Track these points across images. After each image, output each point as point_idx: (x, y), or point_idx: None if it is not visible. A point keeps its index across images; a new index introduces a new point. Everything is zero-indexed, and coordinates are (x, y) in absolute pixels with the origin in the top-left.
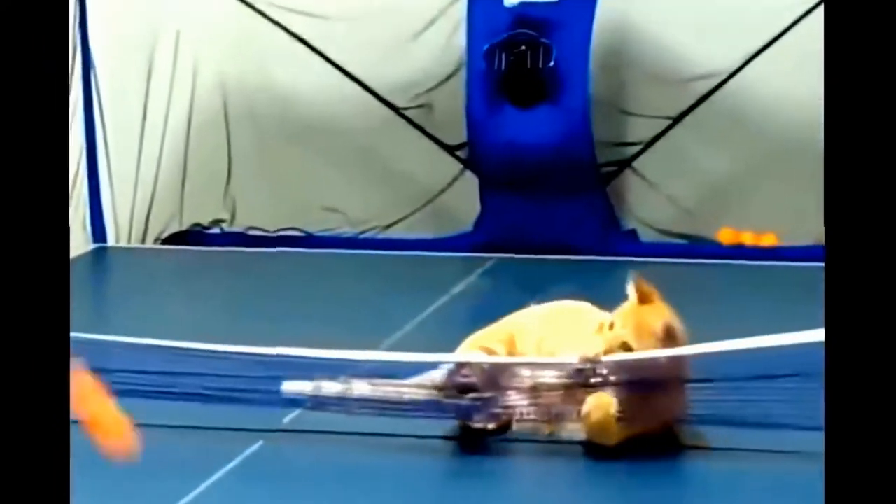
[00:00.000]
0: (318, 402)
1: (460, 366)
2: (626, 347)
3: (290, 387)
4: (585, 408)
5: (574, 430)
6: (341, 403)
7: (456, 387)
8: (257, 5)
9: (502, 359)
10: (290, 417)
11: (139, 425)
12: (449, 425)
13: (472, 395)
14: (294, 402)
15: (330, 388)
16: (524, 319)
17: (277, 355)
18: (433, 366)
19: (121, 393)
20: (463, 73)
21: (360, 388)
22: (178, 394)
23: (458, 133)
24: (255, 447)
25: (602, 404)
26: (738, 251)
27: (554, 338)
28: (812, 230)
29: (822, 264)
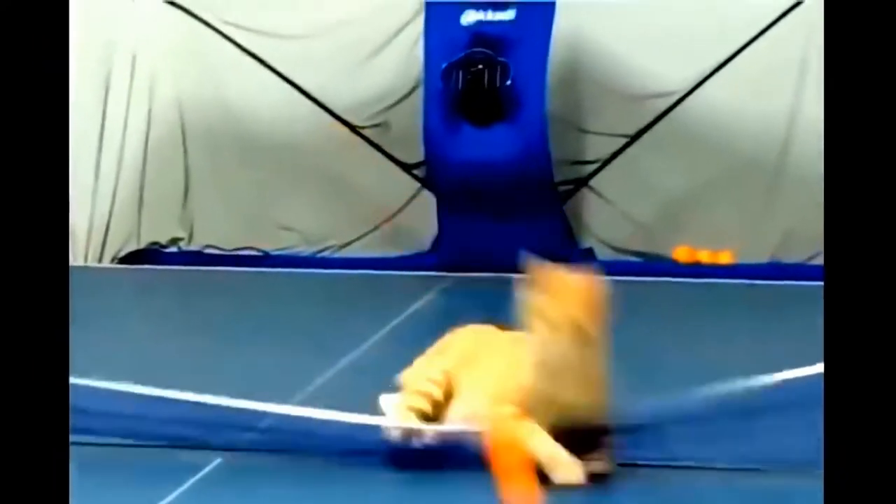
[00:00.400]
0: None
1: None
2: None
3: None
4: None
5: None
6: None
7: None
8: (214, 24)
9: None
10: (249, 435)
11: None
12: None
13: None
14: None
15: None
16: (463, 345)
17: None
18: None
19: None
20: (420, 92)
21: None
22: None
23: (415, 152)
24: (214, 464)
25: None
26: (695, 269)
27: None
28: (767, 247)
29: (778, 282)
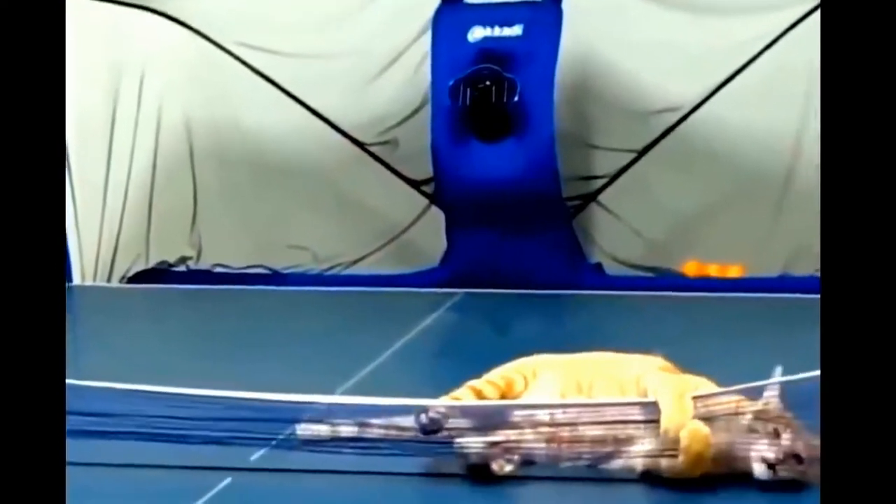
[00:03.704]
0: (335, 445)
1: (420, 409)
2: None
3: (306, 430)
4: (684, 440)
5: (629, 465)
6: (356, 445)
7: (420, 429)
8: (222, 43)
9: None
10: (257, 455)
11: (110, 465)
12: (424, 462)
13: (438, 434)
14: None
15: (347, 430)
16: (535, 364)
17: (250, 399)
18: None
19: (89, 434)
20: (428, 109)
21: (350, 429)
22: (147, 434)
23: (423, 168)
24: (224, 483)
25: (701, 436)
26: (705, 283)
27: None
28: (778, 261)
29: (788, 295)
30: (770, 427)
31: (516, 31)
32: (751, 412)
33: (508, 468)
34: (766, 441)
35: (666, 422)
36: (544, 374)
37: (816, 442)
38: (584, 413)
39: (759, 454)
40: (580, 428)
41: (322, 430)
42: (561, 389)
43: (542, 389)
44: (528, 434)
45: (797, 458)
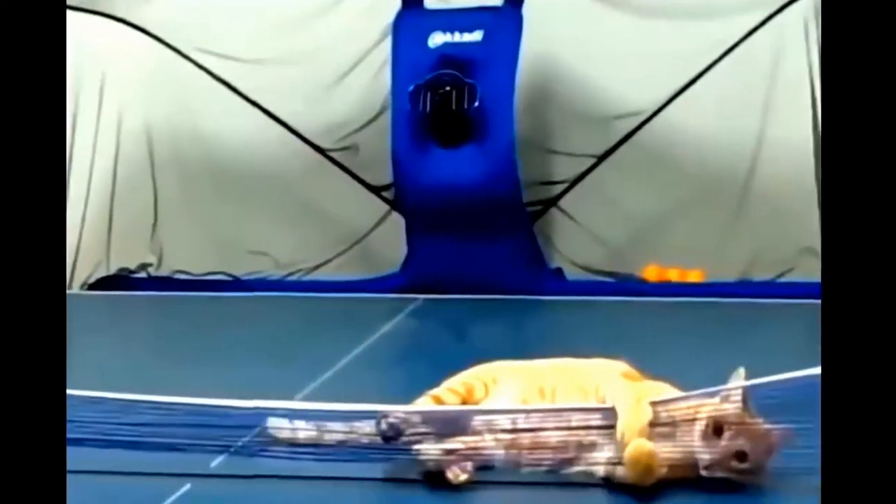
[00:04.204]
0: (293, 451)
1: (382, 415)
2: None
3: (274, 423)
4: (629, 456)
5: (589, 471)
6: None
7: (379, 434)
8: (183, 49)
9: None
10: (217, 462)
11: (68, 472)
12: (384, 468)
13: (398, 440)
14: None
15: (306, 431)
16: (495, 370)
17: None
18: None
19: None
20: (388, 115)
21: (308, 433)
22: (105, 441)
23: (383, 174)
24: (184, 490)
25: (645, 451)
26: (665, 288)
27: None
28: (736, 266)
29: (748, 300)
30: (710, 427)
31: (476, 36)
32: (705, 413)
33: (464, 477)
34: (702, 442)
35: (622, 426)
36: (505, 380)
37: (773, 441)
38: (546, 419)
39: (696, 455)
40: (541, 434)
41: (285, 428)
42: (522, 395)
43: (503, 395)
44: (489, 440)
45: (740, 456)
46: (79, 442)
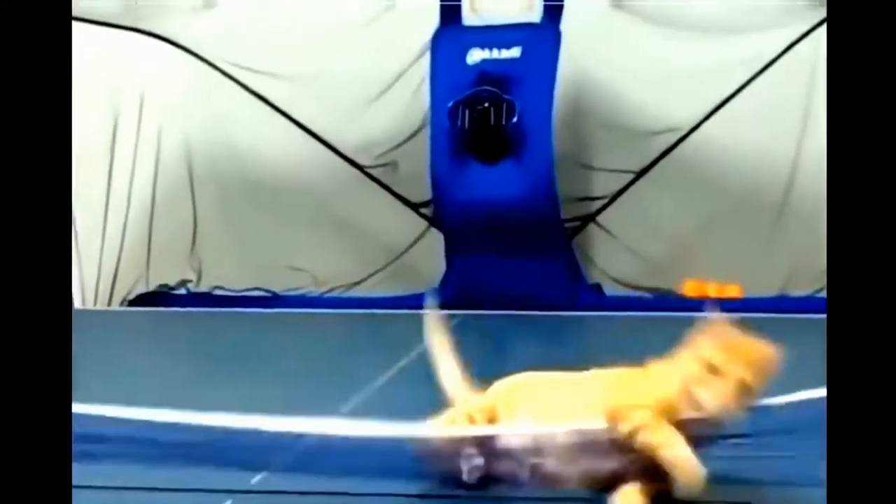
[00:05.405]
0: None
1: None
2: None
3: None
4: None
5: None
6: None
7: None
8: (221, 66)
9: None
10: (257, 478)
11: (112, 488)
12: (421, 484)
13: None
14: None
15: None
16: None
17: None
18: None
19: (91, 457)
20: (427, 131)
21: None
22: (148, 457)
23: (422, 191)
24: None
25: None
26: (703, 303)
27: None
28: (775, 281)
29: (785, 315)
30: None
31: (514, 53)
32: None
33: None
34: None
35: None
36: (523, 401)
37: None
38: (564, 438)
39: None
40: (560, 452)
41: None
42: (541, 415)
43: (522, 415)
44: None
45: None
46: (119, 458)
